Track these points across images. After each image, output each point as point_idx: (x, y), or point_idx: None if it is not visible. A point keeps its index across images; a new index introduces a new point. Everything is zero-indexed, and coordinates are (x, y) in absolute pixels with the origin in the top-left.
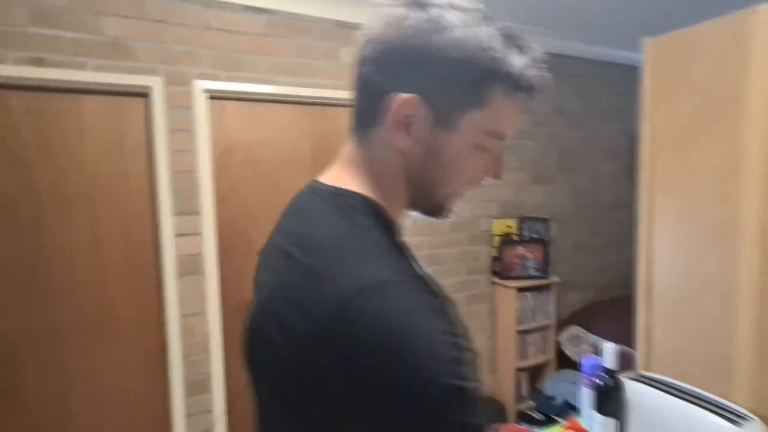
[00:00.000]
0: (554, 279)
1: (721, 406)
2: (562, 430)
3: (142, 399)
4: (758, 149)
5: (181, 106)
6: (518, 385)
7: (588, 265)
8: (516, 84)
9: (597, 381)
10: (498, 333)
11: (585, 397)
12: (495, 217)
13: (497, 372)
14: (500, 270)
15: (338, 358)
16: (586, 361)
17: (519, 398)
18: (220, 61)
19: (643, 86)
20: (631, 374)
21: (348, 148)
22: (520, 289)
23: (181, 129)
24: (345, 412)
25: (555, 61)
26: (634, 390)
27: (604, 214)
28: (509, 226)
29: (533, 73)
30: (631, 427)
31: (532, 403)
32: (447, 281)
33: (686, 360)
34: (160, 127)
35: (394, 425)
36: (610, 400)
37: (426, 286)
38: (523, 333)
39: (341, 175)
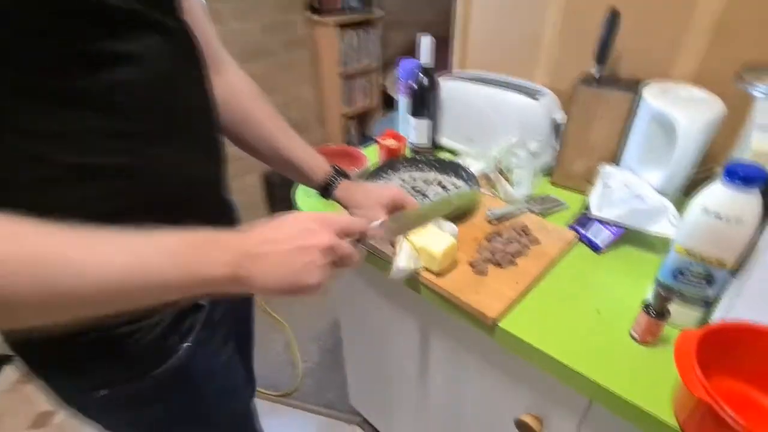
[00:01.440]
0: (378, 13)
1: (523, 86)
2: (379, 139)
3: None
4: None
5: None
6: (347, 132)
7: None
8: None
9: (413, 84)
10: (322, 80)
11: (401, 105)
12: None
13: (325, 121)
14: (318, 5)
15: None
16: (404, 64)
17: (349, 145)
18: None
19: None
20: (445, 73)
21: None
22: (342, 26)
23: None
24: None
25: None
26: (448, 88)
27: None
28: None
29: None
30: (444, 124)
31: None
32: (253, 24)
33: (499, 51)
34: None
35: None
36: (424, 102)
37: None
38: (348, 78)
39: None
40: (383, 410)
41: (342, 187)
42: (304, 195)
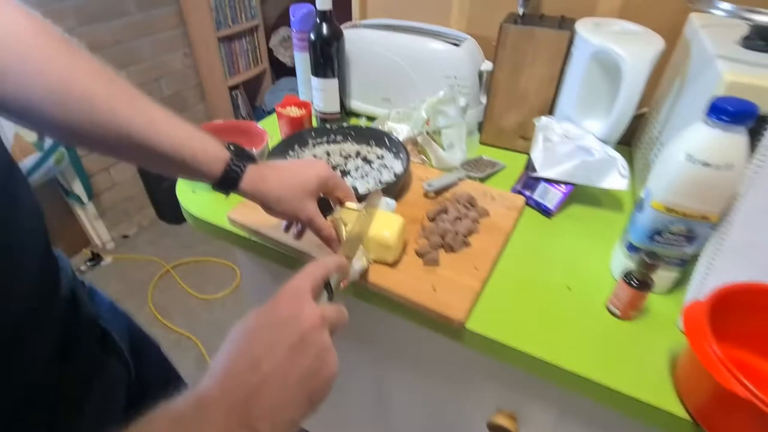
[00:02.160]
0: None
1: (440, 32)
2: (279, 108)
3: None
4: None
5: None
6: (235, 106)
7: None
8: None
9: (311, 36)
10: (196, 46)
11: (299, 64)
12: None
13: (207, 96)
14: None
15: None
16: (296, 10)
17: (239, 119)
18: None
19: None
20: (347, 23)
21: None
22: None
23: None
24: None
25: None
26: (353, 40)
27: None
28: None
29: None
30: (353, 84)
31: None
32: None
33: None
34: None
35: None
36: (327, 57)
37: None
38: (227, 41)
39: None
40: (337, 429)
41: (250, 176)
42: (187, 190)
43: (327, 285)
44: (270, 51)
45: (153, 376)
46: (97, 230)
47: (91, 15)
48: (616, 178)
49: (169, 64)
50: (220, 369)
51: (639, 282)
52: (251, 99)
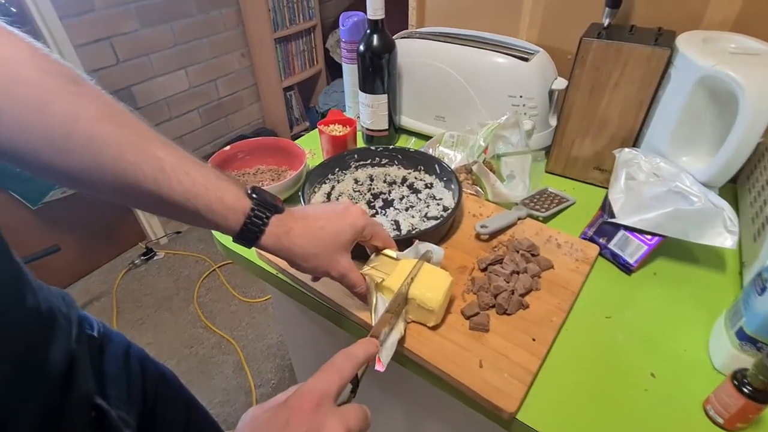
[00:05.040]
0: None
1: (507, 44)
2: (321, 126)
3: None
4: None
5: None
6: (289, 107)
7: None
8: None
9: (360, 47)
10: (253, 47)
11: (347, 77)
12: None
13: (262, 97)
14: None
15: None
16: (346, 18)
17: (292, 122)
18: None
19: None
20: (403, 34)
21: None
22: None
23: None
24: None
25: None
26: (406, 51)
27: None
28: None
29: None
30: (404, 97)
31: (307, 124)
32: None
33: (465, 4)
34: None
35: None
36: (377, 70)
37: None
38: (284, 41)
39: None
40: None
41: (273, 231)
42: None
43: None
44: (326, 51)
45: (173, 419)
46: (152, 225)
47: (153, 17)
48: (720, 235)
49: (227, 64)
50: None
51: (755, 390)
52: (305, 100)
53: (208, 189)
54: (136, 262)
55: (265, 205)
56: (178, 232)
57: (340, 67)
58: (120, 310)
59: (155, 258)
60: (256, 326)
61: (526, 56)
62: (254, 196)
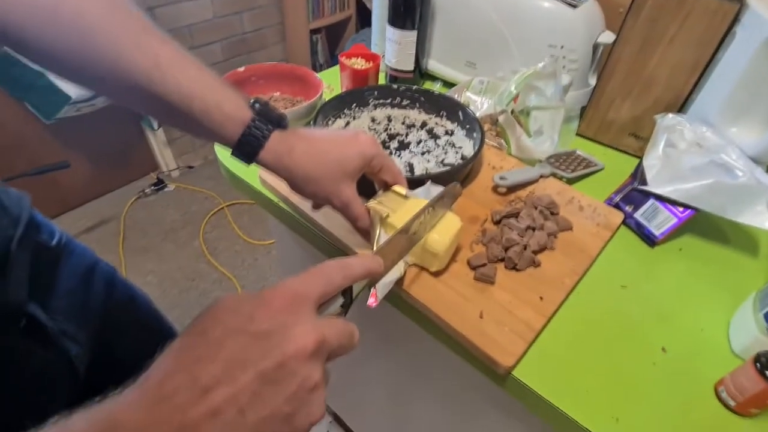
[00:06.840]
0: None
1: None
2: (343, 58)
3: None
4: None
5: None
6: (313, 52)
7: None
8: None
9: None
10: None
11: (376, 9)
12: None
13: (287, 37)
14: None
15: None
16: None
17: (316, 68)
18: None
19: None
20: None
21: None
22: None
23: None
24: None
25: None
26: None
27: None
28: None
29: None
30: (434, 41)
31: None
32: None
33: None
34: None
35: None
36: (409, 6)
37: None
38: None
39: None
40: (356, 409)
41: (273, 146)
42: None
43: (346, 290)
44: None
45: (136, 347)
46: (165, 157)
47: None
48: (761, 214)
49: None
50: (155, 380)
51: None
52: (331, 46)
53: (206, 93)
54: (147, 191)
55: (268, 118)
56: (191, 167)
57: (370, 14)
58: (126, 236)
59: (165, 190)
60: (258, 268)
61: (574, 2)
62: (257, 106)
